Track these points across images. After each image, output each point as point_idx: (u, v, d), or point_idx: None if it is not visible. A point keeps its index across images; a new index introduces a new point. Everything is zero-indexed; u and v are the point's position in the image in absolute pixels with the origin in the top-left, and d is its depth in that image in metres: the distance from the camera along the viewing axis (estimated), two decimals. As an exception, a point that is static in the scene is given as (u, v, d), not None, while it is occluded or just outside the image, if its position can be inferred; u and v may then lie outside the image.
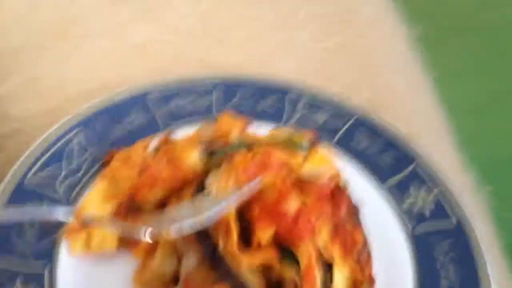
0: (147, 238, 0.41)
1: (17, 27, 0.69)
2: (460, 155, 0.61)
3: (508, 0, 1.68)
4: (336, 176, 0.44)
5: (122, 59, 0.66)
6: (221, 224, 0.42)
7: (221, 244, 0.42)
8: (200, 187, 0.43)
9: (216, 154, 0.45)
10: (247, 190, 0.42)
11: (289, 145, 0.46)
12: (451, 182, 0.51)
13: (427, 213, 0.48)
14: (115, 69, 0.64)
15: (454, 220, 0.48)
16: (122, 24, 0.69)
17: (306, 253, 0.40)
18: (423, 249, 0.46)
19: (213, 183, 0.43)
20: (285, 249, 0.41)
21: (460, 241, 0.46)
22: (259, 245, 0.42)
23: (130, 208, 0.46)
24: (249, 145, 0.46)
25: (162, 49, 0.67)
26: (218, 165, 0.44)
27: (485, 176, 0.61)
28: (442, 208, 0.49)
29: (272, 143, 0.46)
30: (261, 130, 0.52)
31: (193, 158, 0.45)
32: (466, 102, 1.31)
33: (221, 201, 0.41)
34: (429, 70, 0.70)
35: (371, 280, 0.42)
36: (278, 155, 0.44)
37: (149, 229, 0.41)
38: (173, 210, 0.43)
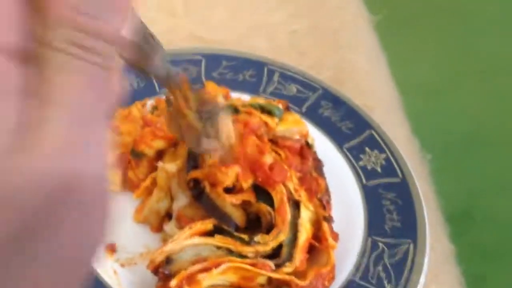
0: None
1: None
2: (408, 127, 0.71)
3: None
4: (304, 135, 0.54)
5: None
6: (210, 172, 0.51)
7: (207, 187, 0.51)
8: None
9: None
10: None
11: (267, 109, 0.55)
12: (399, 147, 0.61)
13: (379, 169, 0.59)
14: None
15: (400, 176, 0.58)
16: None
17: (280, 193, 0.50)
18: (373, 198, 0.56)
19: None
20: (263, 190, 0.51)
21: (403, 192, 0.57)
22: (241, 189, 0.51)
23: (132, 157, 0.55)
24: (235, 108, 0.55)
25: (148, 24, 0.75)
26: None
27: (426, 146, 0.71)
28: (392, 166, 0.59)
29: (252, 107, 0.55)
30: (241, 97, 0.61)
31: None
32: (418, 81, 1.43)
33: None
34: (387, 52, 0.80)
35: (330, 218, 0.52)
36: (258, 116, 0.53)
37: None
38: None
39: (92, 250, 0.23)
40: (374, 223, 0.54)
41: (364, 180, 0.58)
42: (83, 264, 0.23)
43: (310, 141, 0.55)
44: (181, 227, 0.51)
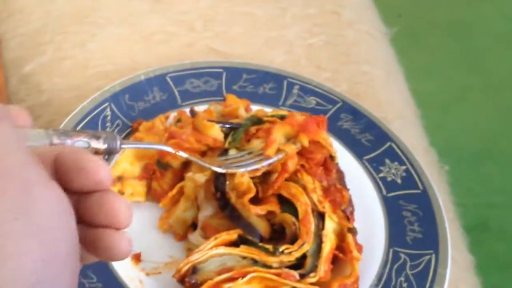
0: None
1: (38, 12, 0.77)
2: (425, 138, 0.72)
3: None
4: (328, 147, 0.55)
5: (134, 46, 0.75)
6: (237, 183, 0.52)
7: (233, 198, 0.52)
8: (222, 153, 0.53)
9: (235, 128, 0.55)
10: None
11: (290, 121, 0.56)
12: (417, 158, 0.62)
13: (399, 181, 0.59)
14: (128, 54, 0.73)
15: (420, 188, 0.59)
16: (134, 15, 0.78)
17: (304, 204, 0.51)
18: (394, 209, 0.57)
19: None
20: (287, 201, 0.51)
21: (424, 203, 0.57)
22: (266, 200, 0.52)
23: (158, 167, 0.56)
24: (258, 118, 0.56)
25: (168, 38, 0.76)
26: (237, 138, 0.54)
27: (444, 158, 0.72)
28: (411, 177, 0.60)
29: (275, 118, 0.56)
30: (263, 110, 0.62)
31: (216, 130, 0.55)
32: (434, 94, 1.45)
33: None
34: (402, 65, 0.81)
35: (355, 230, 0.53)
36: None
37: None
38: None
39: None
40: (396, 234, 0.55)
41: (384, 192, 0.59)
42: None
43: (333, 153, 0.56)
44: (206, 237, 0.52)
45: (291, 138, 0.54)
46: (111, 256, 0.32)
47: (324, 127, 0.55)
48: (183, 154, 0.51)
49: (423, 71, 1.44)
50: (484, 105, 1.56)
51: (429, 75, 1.50)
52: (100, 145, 0.40)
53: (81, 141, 0.39)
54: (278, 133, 0.53)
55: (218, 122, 0.56)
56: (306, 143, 0.53)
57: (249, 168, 0.52)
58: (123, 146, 0.43)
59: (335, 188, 0.53)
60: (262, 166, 0.52)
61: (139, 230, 0.55)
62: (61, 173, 0.30)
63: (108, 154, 0.42)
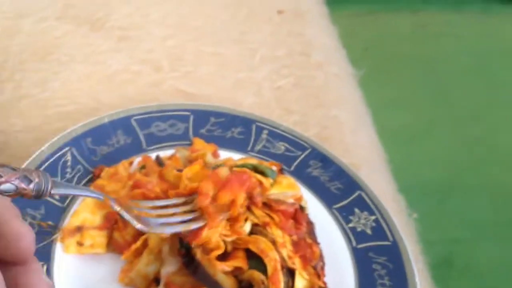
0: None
1: (-2, 47, 0.75)
2: (393, 185, 0.71)
3: (442, 31, 1.85)
4: (298, 199, 0.53)
5: (97, 85, 0.72)
6: (201, 239, 0.50)
7: (198, 254, 0.50)
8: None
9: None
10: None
11: (259, 170, 0.55)
12: (387, 208, 0.61)
13: (369, 231, 0.58)
14: (91, 94, 0.71)
15: (390, 239, 0.58)
16: (98, 53, 0.76)
17: (273, 260, 0.49)
18: (364, 261, 0.56)
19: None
20: (255, 257, 0.49)
21: (394, 256, 0.56)
22: (234, 256, 0.50)
23: (119, 218, 0.53)
24: (228, 167, 0.54)
25: (133, 78, 0.74)
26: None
27: (412, 204, 0.71)
28: (381, 228, 0.58)
29: (246, 167, 0.54)
30: (230, 156, 0.61)
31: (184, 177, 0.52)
32: (400, 132, 1.47)
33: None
34: (370, 103, 0.81)
35: (325, 286, 0.51)
36: (253, 175, 0.52)
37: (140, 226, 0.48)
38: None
39: None
40: (366, 288, 0.54)
41: (354, 243, 0.57)
42: None
43: (303, 204, 0.54)
44: (169, 293, 0.50)
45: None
46: None
47: (246, 186, 0.52)
48: (116, 208, 0.48)
49: (389, 106, 1.45)
50: (450, 138, 1.58)
51: (396, 109, 1.52)
52: (29, 189, 0.38)
53: (8, 184, 0.36)
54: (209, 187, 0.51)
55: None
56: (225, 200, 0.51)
57: (174, 230, 0.50)
58: (53, 191, 0.41)
59: (305, 243, 0.51)
60: (183, 229, 0.49)
61: (99, 283, 0.52)
62: None
63: (37, 198, 0.40)
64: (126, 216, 0.47)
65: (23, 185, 0.37)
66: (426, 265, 0.63)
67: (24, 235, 0.28)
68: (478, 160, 1.54)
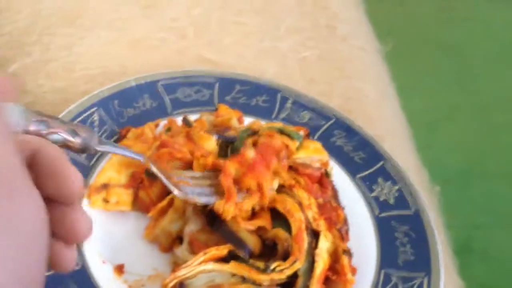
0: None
1: (26, 10, 0.75)
2: (417, 158, 0.71)
3: (470, 16, 1.83)
4: (325, 164, 0.53)
5: (123, 51, 0.73)
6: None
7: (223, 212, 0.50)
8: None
9: (230, 141, 0.53)
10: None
11: (286, 132, 0.55)
12: (411, 179, 0.61)
13: (392, 201, 0.58)
14: (116, 59, 0.71)
15: (413, 209, 0.58)
16: (124, 19, 0.76)
17: (298, 221, 0.49)
18: (386, 230, 0.56)
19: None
20: (281, 216, 0.50)
21: (417, 225, 0.56)
22: (258, 214, 0.50)
23: (146, 176, 0.54)
24: (253, 131, 0.54)
25: (158, 44, 0.75)
26: (235, 150, 0.52)
27: (435, 178, 0.71)
28: (404, 198, 0.58)
29: (272, 131, 0.54)
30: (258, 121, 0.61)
31: (212, 142, 0.53)
32: (423, 115, 1.46)
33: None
34: (395, 82, 0.80)
35: (350, 253, 0.51)
36: (280, 138, 0.52)
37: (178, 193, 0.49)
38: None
39: None
40: (387, 256, 0.54)
41: (377, 212, 0.57)
42: None
43: (329, 170, 0.54)
44: (193, 251, 0.50)
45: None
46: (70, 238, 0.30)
47: (272, 167, 0.52)
48: (153, 169, 0.49)
49: (413, 88, 1.44)
50: (472, 124, 1.57)
51: (419, 92, 1.51)
52: (76, 143, 0.39)
53: (57, 135, 0.37)
54: (232, 168, 0.51)
55: (213, 134, 0.54)
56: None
57: (207, 201, 0.50)
58: (98, 148, 0.42)
59: (331, 206, 0.52)
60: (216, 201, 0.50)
61: (123, 240, 0.53)
62: (34, 174, 0.29)
63: (82, 152, 0.41)
64: (165, 181, 0.48)
65: (70, 138, 0.38)
66: (446, 234, 0.63)
67: (76, 178, 0.29)
68: (501, 147, 1.53)
